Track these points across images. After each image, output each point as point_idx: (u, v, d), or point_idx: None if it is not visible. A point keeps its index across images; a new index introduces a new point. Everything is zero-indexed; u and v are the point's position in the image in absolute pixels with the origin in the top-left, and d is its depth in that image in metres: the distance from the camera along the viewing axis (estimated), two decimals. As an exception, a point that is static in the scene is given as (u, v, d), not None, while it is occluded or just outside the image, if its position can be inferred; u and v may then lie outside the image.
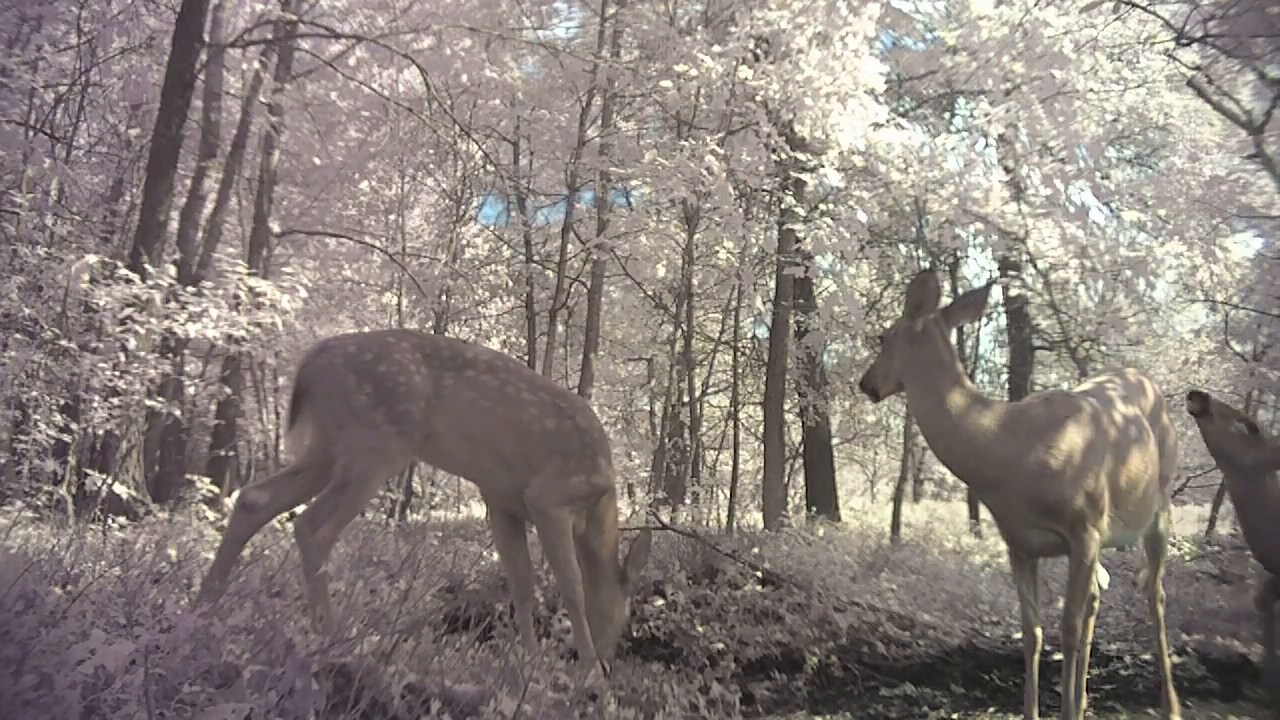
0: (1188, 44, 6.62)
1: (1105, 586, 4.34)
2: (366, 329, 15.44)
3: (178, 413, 7.53)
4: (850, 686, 4.61)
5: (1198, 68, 7.58)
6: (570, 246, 11.42)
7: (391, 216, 13.77)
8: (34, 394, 6.49)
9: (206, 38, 8.50)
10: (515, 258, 13.50)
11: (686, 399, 11.35)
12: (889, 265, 13.89)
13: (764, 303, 11.67)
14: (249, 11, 11.53)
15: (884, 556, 7.34)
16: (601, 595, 3.93)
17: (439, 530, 8.34)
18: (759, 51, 8.14)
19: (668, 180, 8.65)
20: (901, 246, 13.57)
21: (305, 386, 3.53)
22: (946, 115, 12.97)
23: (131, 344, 6.52)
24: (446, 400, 3.56)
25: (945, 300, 3.66)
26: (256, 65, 11.19)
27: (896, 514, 10.90)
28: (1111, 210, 9.66)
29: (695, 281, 11.35)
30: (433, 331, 11.91)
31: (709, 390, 13.18)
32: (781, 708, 4.28)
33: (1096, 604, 4.04)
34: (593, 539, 3.94)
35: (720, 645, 4.69)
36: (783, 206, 8.77)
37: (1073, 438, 3.47)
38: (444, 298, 11.99)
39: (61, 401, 6.62)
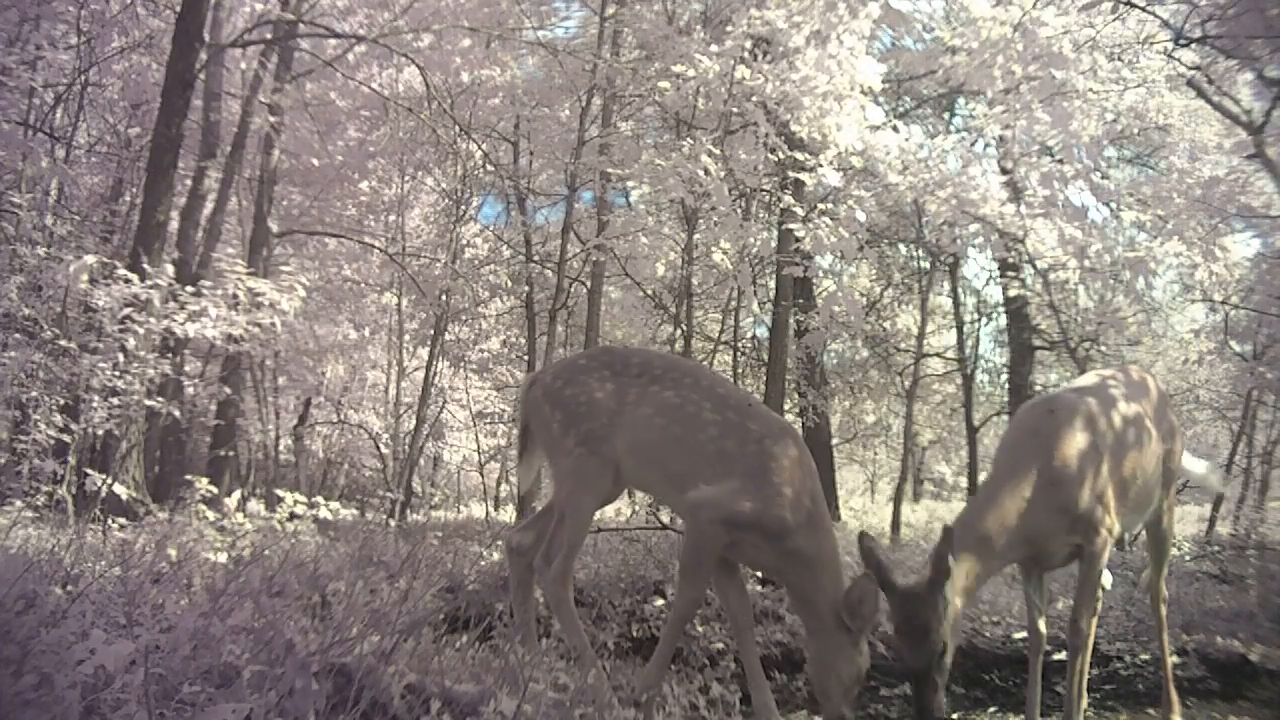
0: (1187, 44, 6.61)
1: (1108, 587, 4.35)
2: (368, 330, 15.50)
3: (177, 413, 7.52)
4: (850, 686, 4.60)
5: (1197, 68, 7.55)
6: (570, 246, 11.41)
7: (391, 216, 13.76)
8: (34, 394, 6.49)
9: (206, 37, 8.49)
10: (515, 258, 13.49)
11: (686, 399, 11.29)
12: (889, 265, 13.90)
13: (761, 304, 11.64)
14: (249, 11, 11.53)
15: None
16: (821, 646, 3.43)
17: (439, 530, 8.34)
18: (757, 52, 8.13)
19: (665, 180, 8.64)
20: (901, 246, 13.59)
21: (525, 423, 3.74)
22: (946, 115, 12.98)
23: (131, 344, 6.51)
24: (626, 414, 3.52)
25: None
26: (256, 65, 11.18)
27: (896, 514, 10.90)
28: (1111, 210, 9.65)
29: (695, 281, 11.34)
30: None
31: (709, 390, 13.12)
32: (782, 708, 4.27)
33: (1099, 604, 4.05)
34: (804, 583, 3.47)
35: (720, 645, 4.68)
36: (782, 206, 8.76)
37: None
38: (444, 298, 11.99)
39: (61, 401, 6.61)
